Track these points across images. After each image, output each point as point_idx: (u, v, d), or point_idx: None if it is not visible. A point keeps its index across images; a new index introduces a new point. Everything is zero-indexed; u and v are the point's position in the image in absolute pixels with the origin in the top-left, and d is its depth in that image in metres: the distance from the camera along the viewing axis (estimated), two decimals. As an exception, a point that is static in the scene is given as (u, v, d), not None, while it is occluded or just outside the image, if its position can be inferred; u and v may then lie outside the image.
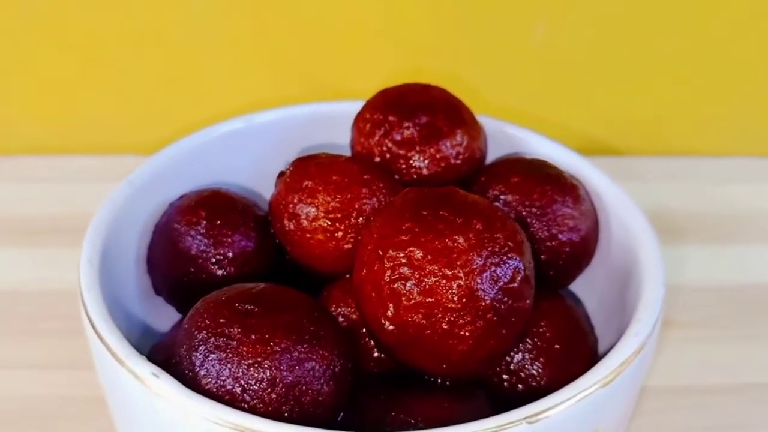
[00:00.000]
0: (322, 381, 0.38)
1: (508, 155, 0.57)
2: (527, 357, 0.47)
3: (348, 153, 0.56)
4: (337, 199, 0.49)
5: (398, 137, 0.53)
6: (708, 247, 0.66)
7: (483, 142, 0.56)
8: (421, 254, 0.40)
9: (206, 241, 0.50)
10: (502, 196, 0.51)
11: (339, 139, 0.58)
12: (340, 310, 0.49)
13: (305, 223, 0.49)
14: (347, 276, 0.50)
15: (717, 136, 0.79)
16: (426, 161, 0.53)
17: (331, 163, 0.51)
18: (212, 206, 0.52)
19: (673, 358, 0.56)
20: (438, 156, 0.53)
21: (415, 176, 0.53)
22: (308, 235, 0.49)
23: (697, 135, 0.78)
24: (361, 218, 0.49)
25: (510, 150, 0.58)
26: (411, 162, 0.53)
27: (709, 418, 0.53)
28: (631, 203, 0.52)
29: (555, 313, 0.48)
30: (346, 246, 0.49)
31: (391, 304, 0.40)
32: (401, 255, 0.41)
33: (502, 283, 0.40)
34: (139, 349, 0.41)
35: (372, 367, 0.46)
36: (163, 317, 0.53)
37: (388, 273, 0.41)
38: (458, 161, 0.54)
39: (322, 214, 0.49)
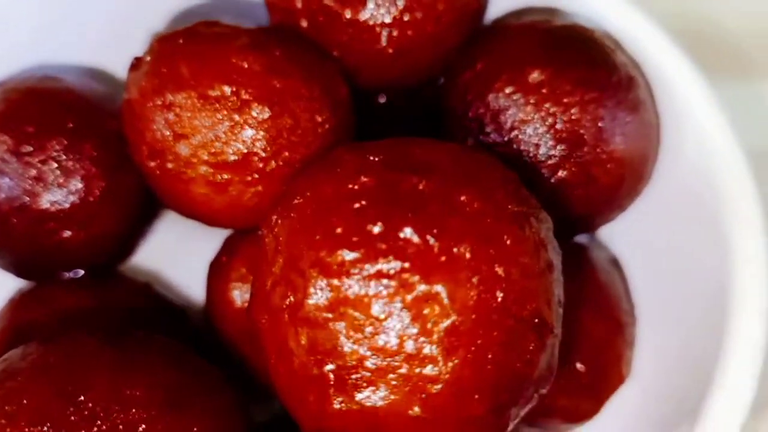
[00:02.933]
0: None
1: (518, 11, 0.35)
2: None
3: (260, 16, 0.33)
4: (225, 128, 0.28)
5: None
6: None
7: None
8: (364, 321, 0.21)
9: (16, 185, 0.30)
10: (511, 110, 0.30)
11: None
12: (243, 297, 0.31)
13: (172, 165, 0.29)
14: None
15: None
16: (386, 27, 0.31)
17: (219, 50, 0.29)
18: (24, 118, 0.31)
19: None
20: (406, 17, 0.31)
21: (365, 53, 0.32)
22: (182, 186, 0.29)
23: None
24: (274, 162, 0.28)
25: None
26: (360, 29, 0.31)
27: None
28: (713, 105, 0.31)
29: (580, 307, 0.31)
30: (248, 203, 0.29)
31: (311, 397, 0.23)
32: (330, 317, 0.22)
33: (513, 368, 0.22)
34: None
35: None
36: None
37: (305, 344, 0.22)
38: (440, 23, 0.32)
39: (203, 156, 0.28)
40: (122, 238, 0.33)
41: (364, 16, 0.31)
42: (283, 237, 0.23)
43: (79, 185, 0.31)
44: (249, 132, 0.28)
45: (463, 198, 0.23)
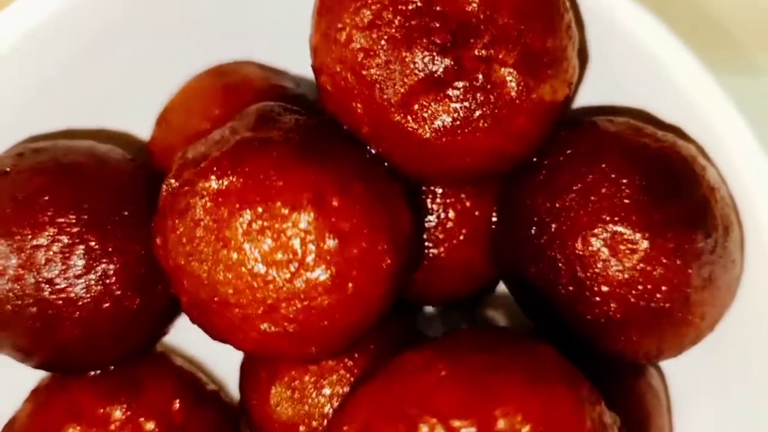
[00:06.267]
0: None
1: (607, 109, 0.30)
2: None
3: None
4: (281, 299, 0.25)
5: (422, 70, 0.26)
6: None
7: (574, 79, 0.29)
8: None
9: (39, 312, 0.27)
10: (595, 268, 0.28)
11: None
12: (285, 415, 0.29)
13: (219, 323, 0.26)
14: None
15: None
16: (461, 144, 0.27)
17: (271, 203, 0.25)
18: (40, 235, 0.27)
19: None
20: (481, 136, 0.27)
21: (433, 167, 0.28)
22: (229, 340, 0.27)
23: None
24: (332, 331, 0.26)
25: (604, 76, 0.30)
26: (432, 146, 0.27)
27: None
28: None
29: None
30: (299, 358, 0.27)
31: None
32: None
33: None
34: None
35: None
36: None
37: None
38: (512, 137, 0.28)
39: (255, 325, 0.25)
40: (152, 340, 0.31)
41: (438, 133, 0.27)
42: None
43: (108, 312, 0.27)
44: (308, 305, 0.25)
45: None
